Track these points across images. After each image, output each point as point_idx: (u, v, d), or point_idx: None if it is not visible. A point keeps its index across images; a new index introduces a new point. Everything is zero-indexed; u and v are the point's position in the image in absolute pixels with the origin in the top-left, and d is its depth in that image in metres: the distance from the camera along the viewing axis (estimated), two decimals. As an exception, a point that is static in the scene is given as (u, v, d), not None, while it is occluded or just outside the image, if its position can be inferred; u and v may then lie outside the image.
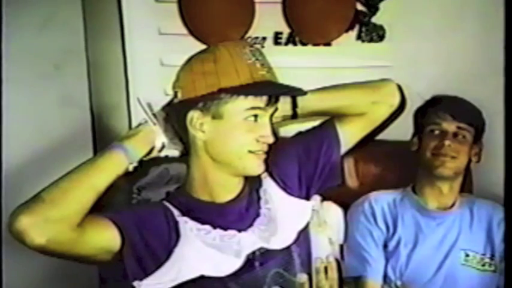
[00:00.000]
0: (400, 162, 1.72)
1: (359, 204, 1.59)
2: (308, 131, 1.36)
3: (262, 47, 1.78)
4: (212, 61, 1.14)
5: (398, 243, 1.54)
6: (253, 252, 1.18)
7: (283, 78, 1.22)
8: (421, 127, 1.60)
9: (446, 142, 1.52)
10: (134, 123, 1.36)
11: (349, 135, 1.33)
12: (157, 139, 1.19)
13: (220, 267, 1.15)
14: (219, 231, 1.18)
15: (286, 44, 1.82)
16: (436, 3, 1.76)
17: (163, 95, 1.57)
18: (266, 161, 1.20)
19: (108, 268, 1.14)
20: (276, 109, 1.21)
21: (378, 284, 1.52)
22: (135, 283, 1.12)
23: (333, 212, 1.37)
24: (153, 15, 1.80)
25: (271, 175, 1.29)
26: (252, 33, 1.80)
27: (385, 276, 1.53)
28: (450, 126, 1.54)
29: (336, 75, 1.46)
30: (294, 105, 1.28)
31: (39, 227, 0.99)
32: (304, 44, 1.82)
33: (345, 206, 1.47)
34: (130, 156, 1.14)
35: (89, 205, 1.07)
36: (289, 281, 1.18)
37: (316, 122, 1.37)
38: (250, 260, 1.17)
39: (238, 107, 1.14)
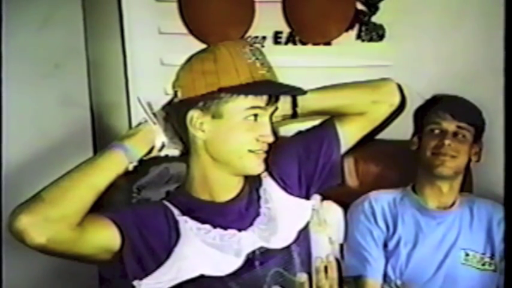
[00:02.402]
0: (400, 162, 1.72)
1: (359, 203, 1.59)
2: (308, 130, 1.36)
3: (262, 46, 1.78)
4: (212, 60, 1.14)
5: (398, 242, 1.54)
6: (253, 252, 1.18)
7: (283, 78, 1.22)
8: (421, 126, 1.60)
9: (446, 141, 1.52)
10: (134, 123, 1.36)
11: (349, 134, 1.33)
12: (157, 138, 1.20)
13: (220, 267, 1.15)
14: (219, 230, 1.18)
15: (286, 43, 1.82)
16: (436, 2, 1.76)
17: (163, 95, 1.58)
18: (266, 161, 1.20)
19: (108, 268, 1.14)
20: (276, 108, 1.21)
21: (378, 283, 1.52)
22: (135, 282, 1.12)
23: (333, 211, 1.37)
24: (153, 14, 1.80)
25: (271, 174, 1.29)
26: (252, 32, 1.80)
27: (385, 276, 1.53)
28: (450, 125, 1.54)
29: (335, 75, 1.46)
30: (294, 104, 1.28)
31: (39, 227, 0.99)
32: (304, 44, 1.82)
33: (345, 206, 1.48)
34: (131, 155, 1.14)
35: (89, 204, 1.07)
36: (289, 280, 1.18)
37: (316, 122, 1.37)
38: (250, 260, 1.17)
39: (238, 106, 1.14)
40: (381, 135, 1.63)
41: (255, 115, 1.16)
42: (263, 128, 1.16)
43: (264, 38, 1.81)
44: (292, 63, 1.74)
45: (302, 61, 1.80)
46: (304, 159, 1.31)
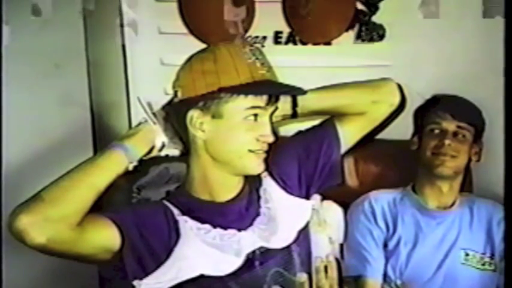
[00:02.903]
0: (400, 162, 1.72)
1: (359, 203, 1.59)
2: (308, 130, 1.36)
3: (263, 46, 1.78)
4: (212, 60, 1.14)
5: (398, 242, 1.54)
6: (253, 252, 1.18)
7: (283, 78, 1.22)
8: (421, 126, 1.60)
9: (446, 141, 1.52)
10: (134, 123, 1.36)
11: (349, 134, 1.33)
12: (157, 138, 1.20)
13: (220, 267, 1.15)
14: (219, 230, 1.18)
15: (286, 43, 1.82)
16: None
17: (163, 94, 1.58)
18: (266, 160, 1.20)
19: (108, 268, 1.14)
20: (276, 108, 1.21)
21: (378, 283, 1.52)
22: (135, 282, 1.12)
23: (333, 211, 1.37)
24: (153, 14, 1.80)
25: (271, 174, 1.28)
26: (252, 32, 1.80)
27: (385, 276, 1.53)
28: (450, 125, 1.54)
29: (336, 75, 1.46)
30: (294, 104, 1.28)
31: (39, 226, 0.99)
32: (304, 44, 1.82)
33: (345, 206, 1.47)
34: (131, 155, 1.14)
35: (89, 204, 1.07)
36: (289, 280, 1.18)
37: (316, 121, 1.37)
38: (250, 259, 1.17)
39: (238, 106, 1.14)
40: (381, 135, 1.63)
41: (255, 115, 1.16)
42: (263, 128, 1.16)
43: (264, 38, 1.81)
44: (292, 63, 1.74)
45: (302, 61, 1.80)
46: (304, 159, 1.31)
